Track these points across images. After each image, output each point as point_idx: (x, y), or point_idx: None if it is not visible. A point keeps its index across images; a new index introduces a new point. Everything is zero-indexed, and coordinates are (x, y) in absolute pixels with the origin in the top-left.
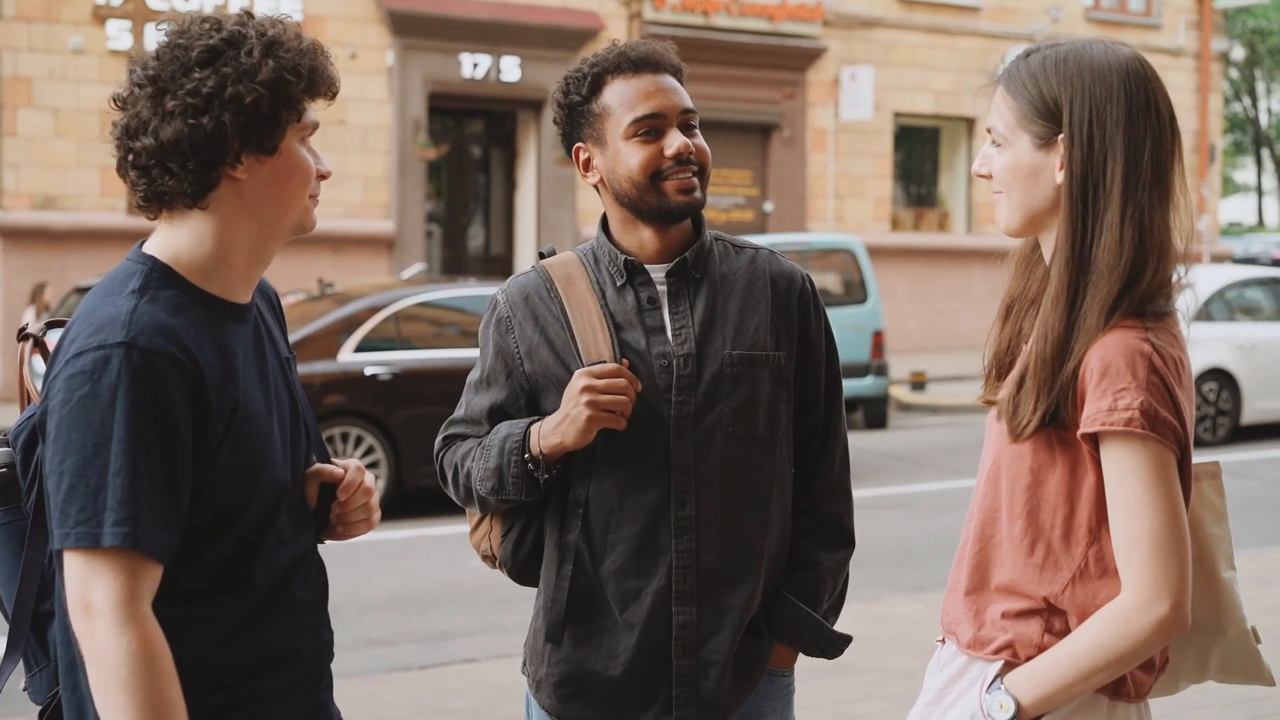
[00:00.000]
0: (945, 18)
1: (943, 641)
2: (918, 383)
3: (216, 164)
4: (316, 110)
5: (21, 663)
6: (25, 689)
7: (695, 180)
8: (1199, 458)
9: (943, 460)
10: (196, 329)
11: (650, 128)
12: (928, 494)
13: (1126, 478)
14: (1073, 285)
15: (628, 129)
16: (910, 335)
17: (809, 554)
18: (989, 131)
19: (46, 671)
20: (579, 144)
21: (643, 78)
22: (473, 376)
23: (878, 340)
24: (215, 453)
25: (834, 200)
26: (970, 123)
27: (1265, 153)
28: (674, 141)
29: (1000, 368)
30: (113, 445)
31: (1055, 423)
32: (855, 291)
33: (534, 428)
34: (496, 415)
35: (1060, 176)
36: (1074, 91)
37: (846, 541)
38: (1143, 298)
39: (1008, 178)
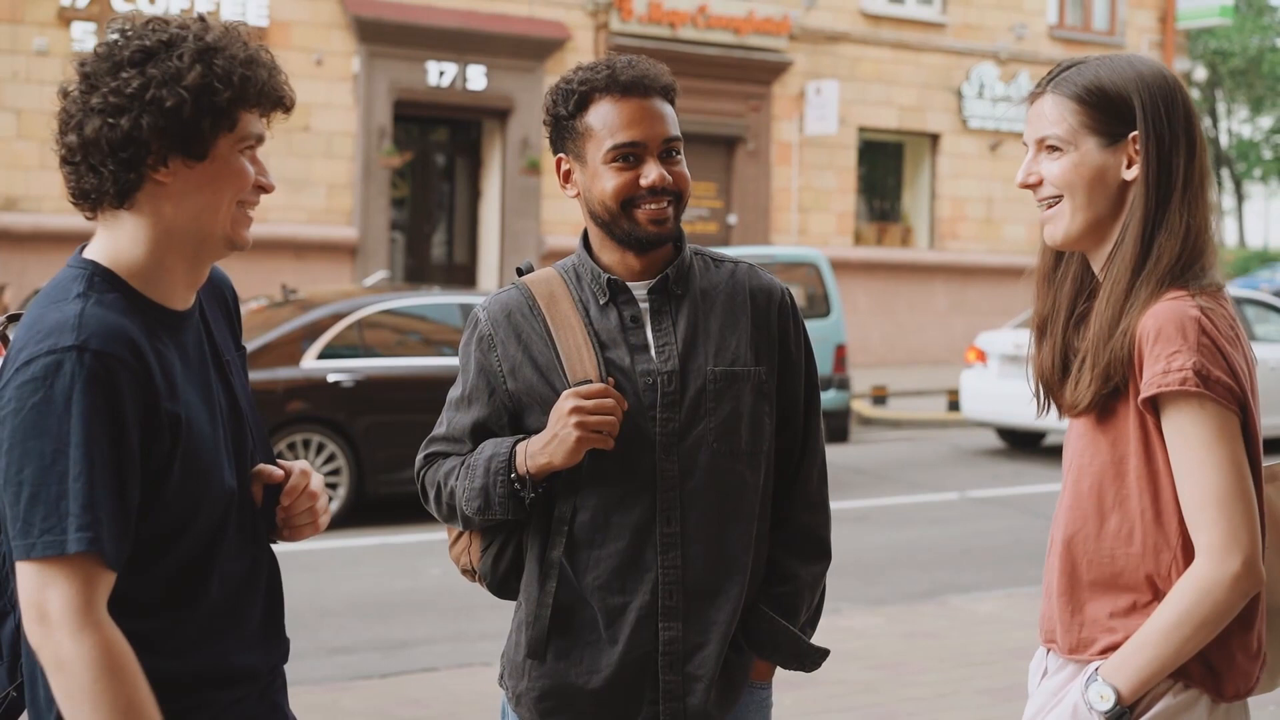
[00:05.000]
0: (910, 34)
1: (1046, 649)
2: (879, 397)
3: (136, 165)
4: (266, 124)
5: None
6: None
7: (669, 210)
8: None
9: (903, 474)
10: (140, 333)
11: (629, 154)
12: (888, 508)
13: (1188, 439)
14: (1137, 273)
15: (607, 153)
16: (872, 349)
17: (786, 567)
18: (1037, 143)
19: (0, 669)
20: (561, 155)
21: (630, 102)
22: (453, 394)
23: (840, 354)
24: (166, 466)
25: (798, 214)
26: (934, 138)
27: (1225, 172)
28: (650, 172)
29: (1049, 386)
30: (70, 450)
31: (1115, 395)
32: (818, 305)
33: (519, 447)
34: (479, 433)
35: (1129, 173)
36: (1143, 92)
37: (823, 553)
38: (1189, 275)
39: (1072, 180)
